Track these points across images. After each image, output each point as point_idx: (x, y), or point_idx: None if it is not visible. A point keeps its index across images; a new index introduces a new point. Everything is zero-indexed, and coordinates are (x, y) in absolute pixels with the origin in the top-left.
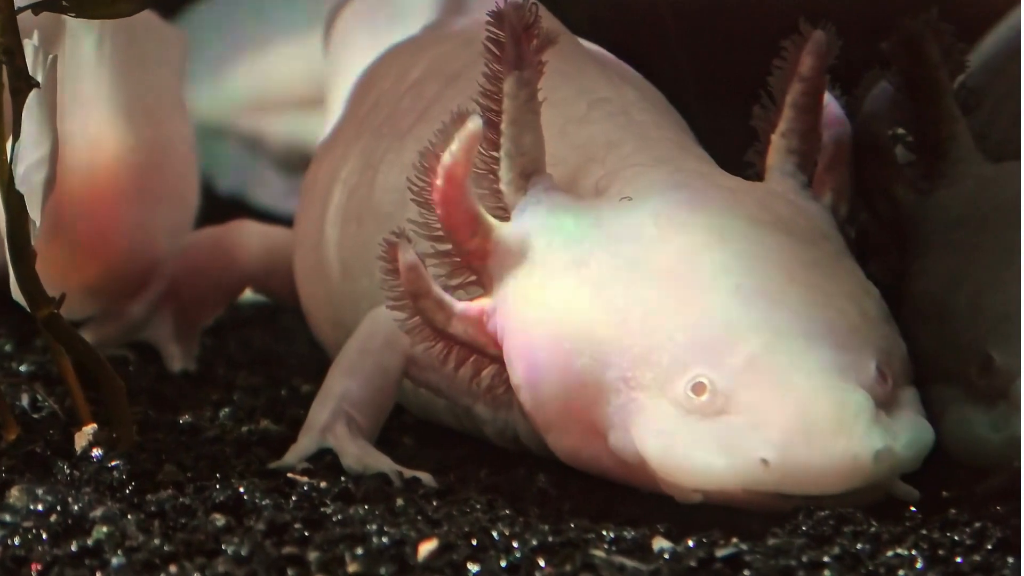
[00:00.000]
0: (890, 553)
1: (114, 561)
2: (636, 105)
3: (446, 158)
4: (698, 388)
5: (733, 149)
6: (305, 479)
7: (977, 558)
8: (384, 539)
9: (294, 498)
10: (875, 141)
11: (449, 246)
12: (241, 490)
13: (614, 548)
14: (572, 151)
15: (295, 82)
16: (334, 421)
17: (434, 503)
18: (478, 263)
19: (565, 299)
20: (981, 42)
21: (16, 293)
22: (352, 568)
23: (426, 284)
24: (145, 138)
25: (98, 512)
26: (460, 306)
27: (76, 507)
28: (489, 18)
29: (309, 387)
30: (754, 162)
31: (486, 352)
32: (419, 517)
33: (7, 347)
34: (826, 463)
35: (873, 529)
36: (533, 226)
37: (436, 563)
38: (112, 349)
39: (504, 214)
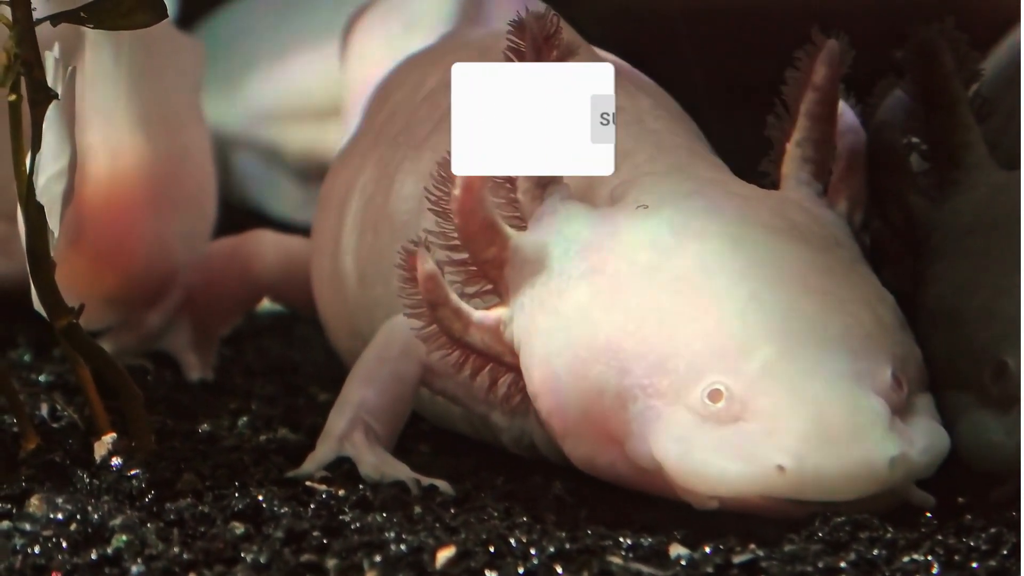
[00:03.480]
0: (906, 559)
1: (133, 569)
2: (651, 113)
3: None
4: (714, 395)
5: (748, 156)
6: (323, 487)
7: (993, 563)
8: (402, 547)
9: (312, 506)
10: (889, 149)
11: (466, 255)
12: (260, 498)
13: (631, 555)
14: None
15: (312, 92)
16: (352, 429)
17: (451, 511)
18: (495, 272)
19: (581, 307)
20: (995, 50)
21: (36, 303)
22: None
23: (444, 293)
24: (163, 148)
25: (117, 521)
26: (477, 315)
27: (95, 516)
28: (510, 27)
29: (326, 396)
30: (769, 171)
31: (503, 360)
32: (437, 525)
33: (26, 357)
34: (842, 469)
35: (889, 535)
36: (550, 235)
37: (454, 570)
38: (130, 359)
39: (521, 223)
